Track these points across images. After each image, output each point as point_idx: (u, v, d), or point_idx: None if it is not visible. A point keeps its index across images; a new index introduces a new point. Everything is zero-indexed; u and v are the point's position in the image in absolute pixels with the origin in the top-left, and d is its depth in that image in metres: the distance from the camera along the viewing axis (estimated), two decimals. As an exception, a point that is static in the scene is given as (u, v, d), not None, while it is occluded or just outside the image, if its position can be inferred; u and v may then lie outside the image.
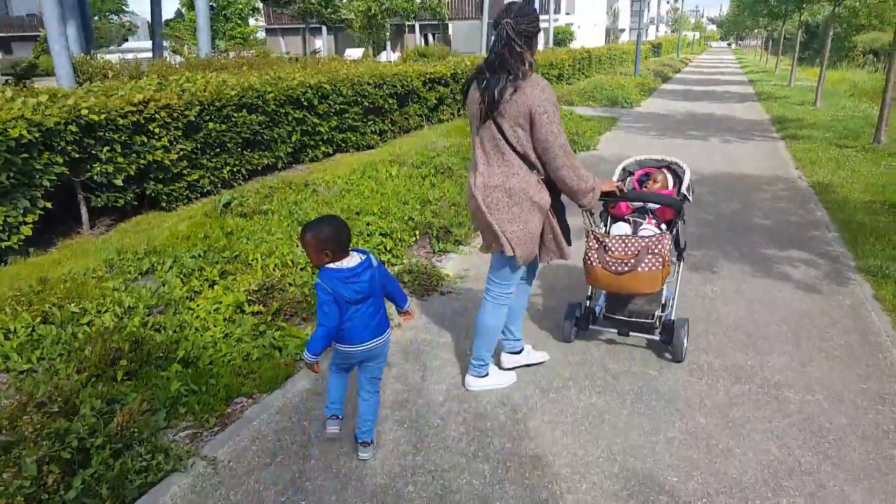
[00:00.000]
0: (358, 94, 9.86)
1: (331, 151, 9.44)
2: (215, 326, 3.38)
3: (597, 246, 3.25)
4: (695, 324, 3.83)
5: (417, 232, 5.29)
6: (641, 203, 3.57)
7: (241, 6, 35.99)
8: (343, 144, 9.77)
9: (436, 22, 32.36)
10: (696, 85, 23.46)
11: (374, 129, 10.52)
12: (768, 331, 3.81)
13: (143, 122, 6.06)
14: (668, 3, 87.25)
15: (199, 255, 4.12)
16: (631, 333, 3.44)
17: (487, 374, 3.18)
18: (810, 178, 8.02)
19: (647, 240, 3.16)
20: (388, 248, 4.80)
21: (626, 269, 3.11)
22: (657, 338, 3.42)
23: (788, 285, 4.54)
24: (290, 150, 8.36)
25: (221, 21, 35.65)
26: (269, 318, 3.54)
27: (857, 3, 15.00)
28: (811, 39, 32.51)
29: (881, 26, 33.33)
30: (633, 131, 12.11)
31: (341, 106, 9.44)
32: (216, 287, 3.72)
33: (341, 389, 2.66)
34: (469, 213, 2.93)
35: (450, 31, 34.37)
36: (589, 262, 3.25)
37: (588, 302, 3.59)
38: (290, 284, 3.82)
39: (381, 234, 4.93)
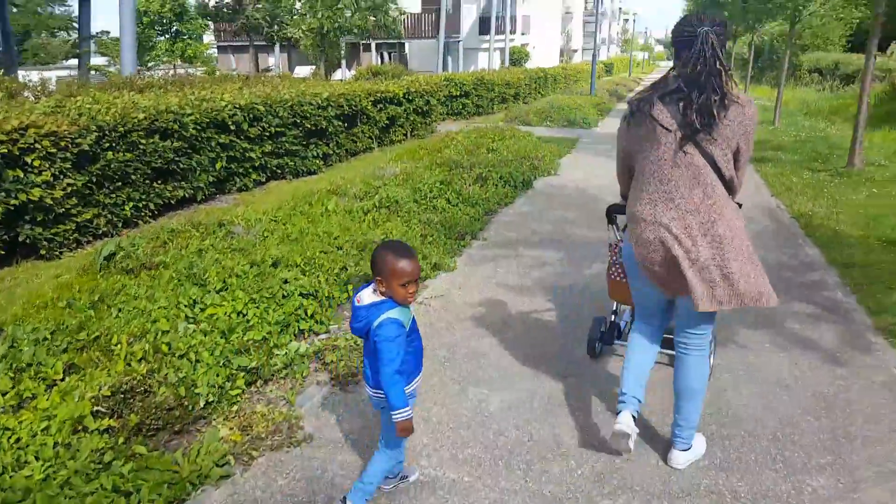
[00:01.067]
0: (297, 116, 8.86)
1: (263, 179, 8.39)
2: (37, 460, 2.34)
3: (619, 260, 3.13)
4: (706, 423, 2.95)
5: (351, 287, 4.32)
6: None
7: (194, 24, 34.46)
8: (279, 171, 8.74)
9: (392, 41, 31.60)
10: (653, 105, 23.22)
11: (316, 154, 9.52)
12: (798, 431, 2.96)
13: (17, 153, 4.95)
14: (618, 24, 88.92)
15: (44, 339, 3.04)
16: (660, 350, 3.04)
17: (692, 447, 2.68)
18: (791, 207, 7.38)
19: None
20: (309, 314, 3.81)
21: None
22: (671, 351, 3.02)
23: (805, 356, 3.73)
24: (212, 179, 7.29)
25: (169, 39, 34.14)
26: (123, 440, 2.50)
27: (799, 25, 14.90)
28: (756, 59, 32.90)
29: (824, 46, 34.20)
30: (594, 154, 11.43)
31: (277, 129, 8.42)
32: (54, 391, 2.66)
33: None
34: (655, 262, 2.44)
35: (406, 50, 33.64)
36: (612, 276, 3.19)
37: (613, 317, 3.54)
38: (161, 383, 2.78)
39: (301, 293, 3.94)
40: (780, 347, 3.84)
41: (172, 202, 6.72)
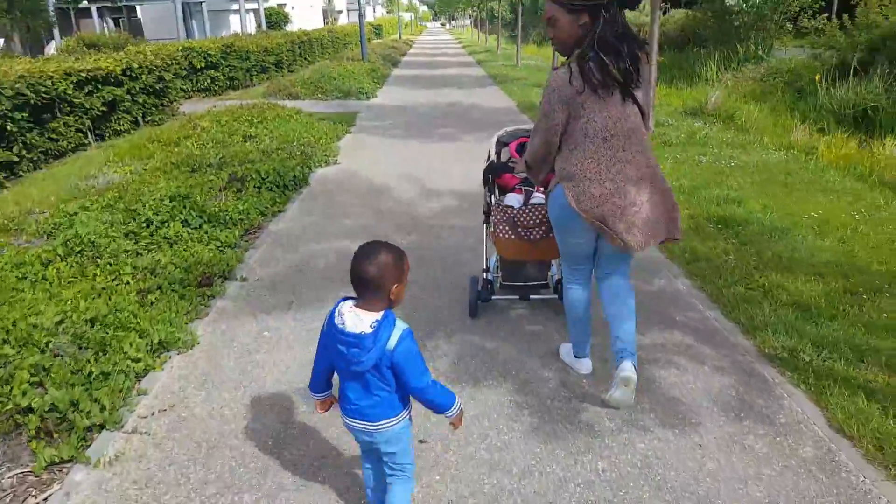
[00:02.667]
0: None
1: None
2: None
3: (505, 219, 3.31)
4: None
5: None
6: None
7: None
8: (-84, 199, 5.79)
9: (118, 4, 26.55)
10: (428, 69, 22.27)
11: (-15, 164, 6.62)
12: None
13: None
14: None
15: None
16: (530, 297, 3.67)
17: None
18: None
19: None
20: None
21: (540, 236, 3.23)
22: (555, 296, 3.62)
23: (693, 426, 2.61)
24: None
25: None
26: None
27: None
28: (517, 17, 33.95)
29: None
30: (376, 133, 9.84)
31: None
32: None
33: (373, 476, 2.12)
34: (603, 215, 2.53)
35: (139, 15, 28.63)
36: (502, 235, 3.33)
37: (485, 274, 3.73)
38: None
39: None
40: (651, 414, 2.69)
41: None
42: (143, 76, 10.26)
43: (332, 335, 1.82)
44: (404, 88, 16.17)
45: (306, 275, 4.34)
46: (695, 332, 3.49)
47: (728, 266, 4.31)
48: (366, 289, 1.80)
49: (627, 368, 2.63)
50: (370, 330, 1.76)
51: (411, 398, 1.95)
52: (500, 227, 3.31)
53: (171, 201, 5.06)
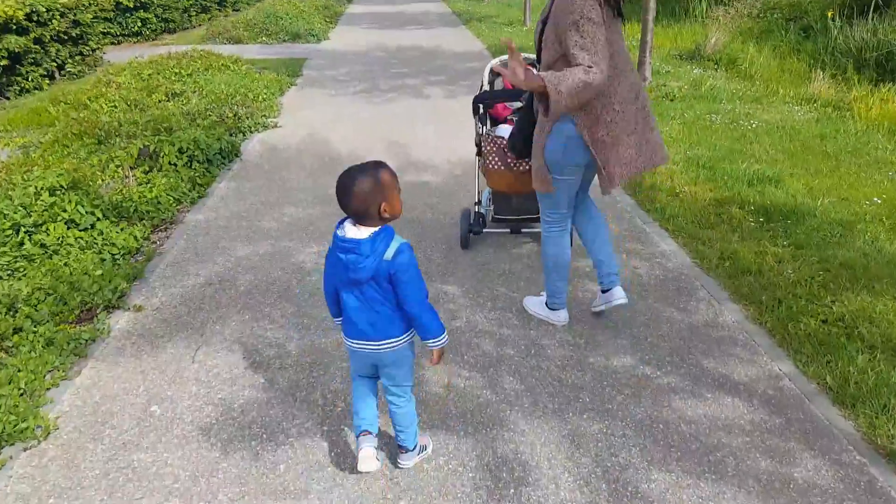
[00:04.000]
0: None
1: None
2: None
3: (495, 149, 3.28)
4: None
5: None
6: (520, 103, 3.32)
7: None
8: None
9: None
10: (386, 5, 20.51)
11: None
12: None
13: None
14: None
15: None
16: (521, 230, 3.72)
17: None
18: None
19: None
20: None
21: (530, 167, 2.92)
22: None
23: None
24: None
25: None
26: None
27: None
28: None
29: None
30: (326, 85, 8.60)
31: None
32: None
33: (364, 398, 2.11)
34: (620, 130, 2.51)
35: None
36: (492, 166, 3.31)
37: (477, 207, 3.74)
38: None
39: None
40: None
41: None
42: (55, 21, 8.77)
43: (334, 246, 1.86)
44: (360, 28, 14.68)
45: (225, 297, 3.33)
46: (764, 404, 2.47)
47: (786, 282, 3.27)
48: (355, 216, 1.84)
49: (620, 295, 2.86)
50: (368, 236, 1.80)
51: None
52: (491, 159, 3.30)
53: (51, 194, 3.94)
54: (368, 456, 2.04)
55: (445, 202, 4.53)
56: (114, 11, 11.98)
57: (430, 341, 1.92)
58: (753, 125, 6.00)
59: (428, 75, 9.20)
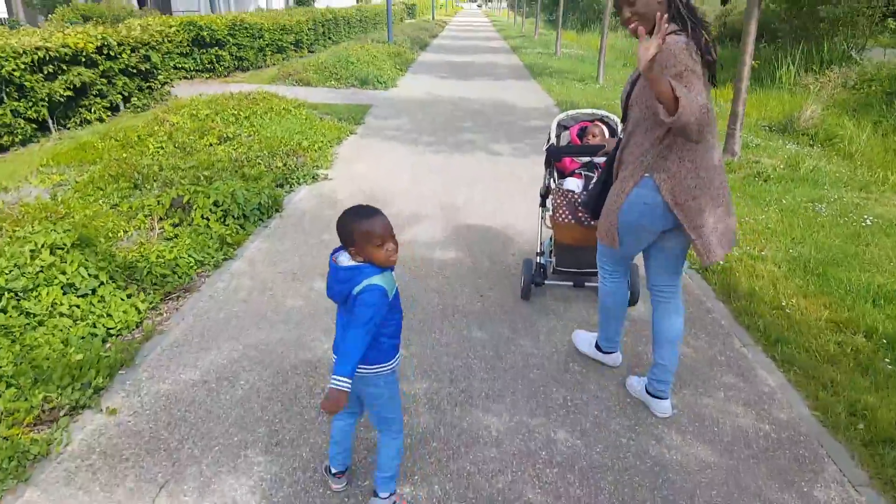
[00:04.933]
0: None
1: None
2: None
3: (566, 203, 3.28)
4: None
5: None
6: (588, 157, 3.56)
7: None
8: None
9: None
10: (458, 54, 20.42)
11: None
12: None
13: None
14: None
15: None
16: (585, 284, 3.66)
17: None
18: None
19: None
20: None
21: None
22: None
23: None
24: None
25: None
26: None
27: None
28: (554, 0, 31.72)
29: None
30: (387, 136, 8.18)
31: None
32: None
33: (337, 431, 2.18)
34: (711, 197, 2.37)
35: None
36: (562, 219, 3.29)
37: (538, 258, 3.68)
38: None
39: None
40: None
41: None
42: (125, 55, 8.75)
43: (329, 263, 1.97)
44: (429, 77, 14.42)
45: (217, 405, 2.71)
46: None
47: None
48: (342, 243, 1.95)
49: (664, 409, 2.69)
50: (345, 265, 1.90)
51: (397, 354, 2.02)
52: (561, 212, 3.30)
53: (52, 253, 3.49)
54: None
55: (494, 281, 3.87)
56: (189, 46, 12.12)
57: (333, 378, 1.80)
58: (867, 221, 5.08)
59: (493, 131, 8.66)
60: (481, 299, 3.77)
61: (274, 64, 14.98)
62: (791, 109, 9.53)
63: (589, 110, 3.85)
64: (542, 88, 12.65)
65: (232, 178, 5.36)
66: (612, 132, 3.67)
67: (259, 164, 6.05)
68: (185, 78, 12.27)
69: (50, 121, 7.56)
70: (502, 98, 11.42)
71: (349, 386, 1.77)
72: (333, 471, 2.21)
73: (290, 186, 5.87)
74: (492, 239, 4.71)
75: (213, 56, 12.61)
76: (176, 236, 4.47)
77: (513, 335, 3.37)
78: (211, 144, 6.58)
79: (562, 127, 3.82)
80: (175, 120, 7.14)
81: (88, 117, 8.30)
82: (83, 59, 7.99)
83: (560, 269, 3.59)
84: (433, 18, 42.90)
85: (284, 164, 6.17)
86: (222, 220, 4.75)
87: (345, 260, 1.91)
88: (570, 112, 3.85)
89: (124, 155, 5.87)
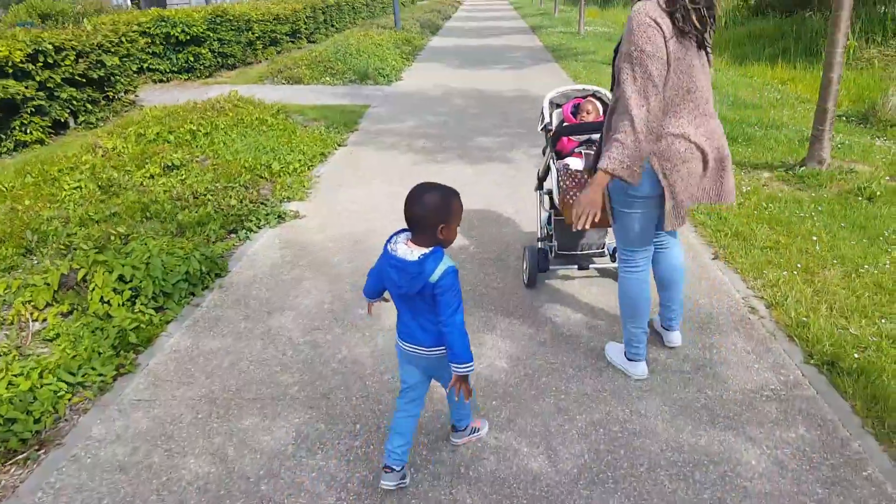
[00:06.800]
0: None
1: None
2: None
3: (573, 184, 3.18)
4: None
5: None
6: (586, 136, 3.47)
7: None
8: None
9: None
10: (472, 37, 18.70)
11: None
12: None
13: None
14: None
15: None
16: (589, 265, 3.58)
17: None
18: (764, 291, 3.31)
19: None
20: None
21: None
22: (614, 264, 3.49)
23: None
24: None
25: None
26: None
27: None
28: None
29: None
30: (384, 145, 6.67)
31: None
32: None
33: (400, 426, 2.12)
34: (693, 171, 2.38)
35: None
36: (570, 200, 3.13)
37: (539, 244, 3.61)
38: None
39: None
40: None
41: None
42: (67, 62, 7.34)
43: (385, 258, 1.93)
44: (440, 66, 12.82)
45: None
46: None
47: None
48: (415, 227, 1.90)
49: (675, 340, 2.90)
50: (416, 259, 1.86)
51: None
52: (572, 194, 3.14)
53: None
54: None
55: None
56: (163, 45, 10.69)
57: (455, 365, 1.90)
58: None
59: (513, 130, 7.12)
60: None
61: (267, 58, 13.50)
62: (862, 91, 7.81)
63: (580, 86, 3.73)
64: (568, 74, 10.99)
65: (158, 234, 3.93)
66: (606, 107, 3.36)
67: (208, 202, 4.61)
68: (161, 81, 10.86)
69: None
70: (523, 88, 9.82)
71: (472, 370, 1.88)
72: (395, 468, 2.11)
73: (247, 232, 4.42)
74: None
75: (189, 55, 11.14)
76: (58, 336, 3.07)
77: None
78: (152, 176, 5.14)
79: (554, 105, 3.69)
80: (112, 144, 5.71)
81: (25, 139, 6.93)
82: (10, 70, 6.62)
83: (561, 253, 3.55)
84: (446, -1, 40.90)
85: (241, 202, 4.71)
86: (130, 302, 3.33)
87: (405, 251, 1.88)
88: (561, 89, 3.73)
89: (27, 202, 4.46)
